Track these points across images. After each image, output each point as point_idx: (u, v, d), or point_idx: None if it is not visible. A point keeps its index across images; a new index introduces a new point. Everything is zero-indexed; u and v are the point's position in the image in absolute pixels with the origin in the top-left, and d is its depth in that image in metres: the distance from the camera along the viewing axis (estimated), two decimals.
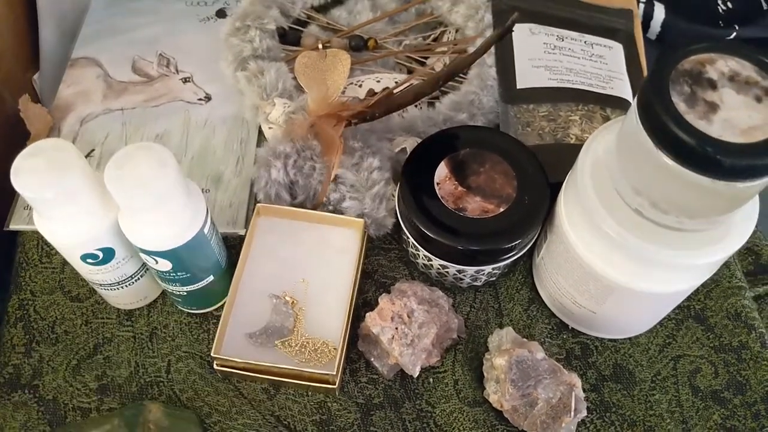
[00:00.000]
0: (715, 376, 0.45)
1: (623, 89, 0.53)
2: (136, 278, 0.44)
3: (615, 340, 0.46)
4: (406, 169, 0.44)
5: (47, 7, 0.60)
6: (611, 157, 0.37)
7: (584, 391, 0.43)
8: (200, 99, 0.56)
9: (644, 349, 0.46)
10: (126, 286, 0.44)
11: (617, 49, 0.55)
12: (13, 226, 0.50)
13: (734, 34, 0.60)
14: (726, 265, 0.49)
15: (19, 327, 0.46)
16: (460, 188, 0.44)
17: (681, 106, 0.31)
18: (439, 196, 0.43)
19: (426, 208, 0.43)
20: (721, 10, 0.61)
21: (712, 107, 0.31)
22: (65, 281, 0.48)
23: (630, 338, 0.46)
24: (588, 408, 0.43)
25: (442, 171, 0.44)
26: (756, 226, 0.37)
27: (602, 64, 0.54)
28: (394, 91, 0.52)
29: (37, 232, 0.47)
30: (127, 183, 0.35)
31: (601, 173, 0.38)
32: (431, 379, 0.45)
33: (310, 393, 0.44)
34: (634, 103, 0.33)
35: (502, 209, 0.43)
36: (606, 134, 0.40)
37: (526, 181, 0.44)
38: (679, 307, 0.47)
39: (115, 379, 0.45)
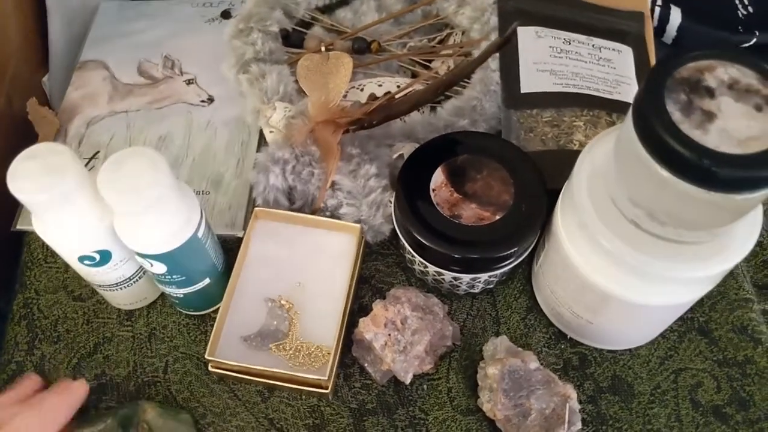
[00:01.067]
0: (717, 390, 0.44)
1: (631, 94, 0.51)
2: (134, 280, 0.44)
3: (614, 351, 0.45)
4: (402, 175, 0.44)
5: (57, 8, 0.60)
6: (609, 166, 0.36)
7: (581, 402, 0.42)
8: (203, 101, 0.56)
9: (644, 361, 0.45)
10: (125, 287, 0.44)
11: (626, 52, 0.54)
12: (20, 227, 0.50)
13: (754, 39, 0.58)
14: (733, 276, 0.47)
15: (23, 325, 0.47)
16: (455, 195, 0.43)
17: (676, 114, 0.30)
18: (435, 203, 0.43)
19: (421, 215, 0.42)
20: (740, 15, 0.58)
21: (709, 116, 0.30)
22: (68, 281, 0.49)
23: (630, 349, 0.45)
24: (584, 420, 0.42)
25: (438, 177, 0.44)
26: None
27: (610, 68, 0.52)
28: (395, 97, 0.51)
29: None
30: (119, 187, 0.36)
31: (598, 182, 0.37)
32: (425, 386, 0.44)
33: (303, 396, 0.44)
34: (630, 110, 0.32)
35: (498, 217, 0.42)
36: (606, 141, 0.39)
37: (523, 189, 0.43)
38: (682, 318, 0.46)
39: (113, 378, 0.45)
